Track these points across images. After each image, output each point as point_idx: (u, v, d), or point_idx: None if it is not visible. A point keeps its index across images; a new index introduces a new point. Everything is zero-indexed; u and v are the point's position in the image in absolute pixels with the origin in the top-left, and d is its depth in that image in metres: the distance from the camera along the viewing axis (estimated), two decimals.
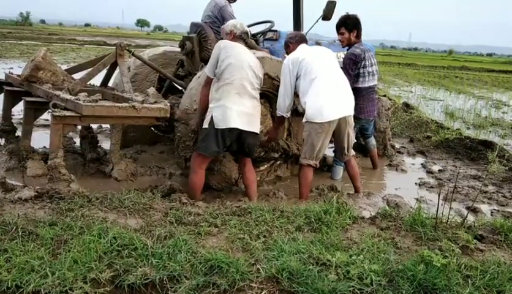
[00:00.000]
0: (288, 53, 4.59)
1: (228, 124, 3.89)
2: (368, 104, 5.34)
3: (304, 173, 4.37)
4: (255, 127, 4.08)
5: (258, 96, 4.16)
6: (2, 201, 3.17)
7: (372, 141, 5.93)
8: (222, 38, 4.31)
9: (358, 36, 5.22)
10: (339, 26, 5.23)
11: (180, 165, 4.80)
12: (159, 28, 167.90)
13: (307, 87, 4.22)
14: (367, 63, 5.15)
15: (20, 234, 2.62)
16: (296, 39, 4.57)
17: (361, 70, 5.16)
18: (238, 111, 3.93)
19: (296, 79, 4.29)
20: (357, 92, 5.02)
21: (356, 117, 4.83)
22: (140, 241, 2.63)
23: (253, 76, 4.07)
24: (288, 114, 4.47)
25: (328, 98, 4.22)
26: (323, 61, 4.38)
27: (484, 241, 3.16)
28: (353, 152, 4.71)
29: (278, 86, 4.47)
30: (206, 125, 3.94)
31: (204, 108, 4.08)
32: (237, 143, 4.04)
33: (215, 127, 3.88)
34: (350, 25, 5.18)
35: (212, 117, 3.90)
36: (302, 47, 4.50)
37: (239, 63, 3.96)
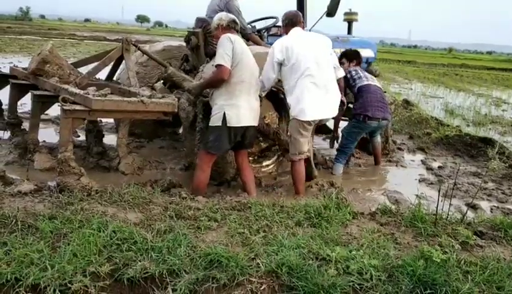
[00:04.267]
0: (283, 33, 4.53)
1: (241, 123, 3.92)
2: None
3: (297, 169, 4.38)
4: (257, 121, 4.16)
5: (259, 90, 4.19)
6: (1, 195, 3.17)
7: (378, 138, 5.94)
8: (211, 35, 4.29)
9: (357, 64, 5.72)
10: (340, 57, 5.57)
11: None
12: (159, 24, 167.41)
13: (294, 81, 4.18)
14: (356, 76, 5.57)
15: (20, 227, 2.62)
16: (286, 22, 4.42)
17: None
18: (248, 108, 3.98)
19: (281, 65, 4.23)
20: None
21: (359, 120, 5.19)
22: (140, 235, 2.63)
23: (257, 70, 4.11)
24: (263, 94, 4.39)
25: (313, 98, 4.19)
26: (314, 55, 4.23)
27: (483, 237, 3.16)
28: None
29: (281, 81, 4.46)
30: (218, 123, 3.90)
31: (207, 87, 4.09)
32: (240, 136, 4.04)
33: (228, 125, 3.88)
34: (349, 57, 5.67)
35: (224, 116, 3.88)
36: (295, 32, 4.35)
37: (247, 61, 3.97)
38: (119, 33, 43.95)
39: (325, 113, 4.33)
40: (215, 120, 3.93)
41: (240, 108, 3.91)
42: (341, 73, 4.70)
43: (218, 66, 3.85)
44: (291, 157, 4.39)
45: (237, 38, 3.98)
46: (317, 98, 4.21)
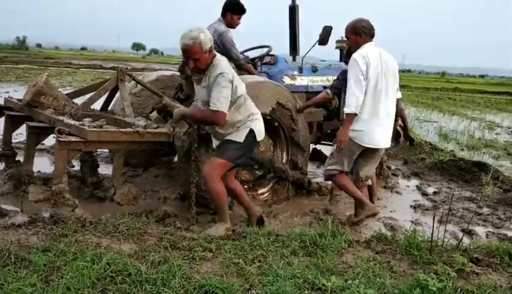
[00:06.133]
0: (352, 44, 4.13)
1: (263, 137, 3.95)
2: None
3: (341, 180, 4.32)
4: None
5: None
6: None
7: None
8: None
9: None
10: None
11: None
12: (155, 51, 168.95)
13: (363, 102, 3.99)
14: None
15: (13, 260, 2.60)
16: (366, 32, 4.04)
17: None
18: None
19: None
20: None
21: None
22: (134, 267, 2.61)
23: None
24: (359, 110, 3.97)
25: (378, 125, 4.07)
26: (386, 78, 4.03)
27: (479, 263, 3.15)
28: (369, 182, 4.60)
29: (275, 109, 4.68)
30: (241, 139, 3.73)
31: (198, 123, 4.03)
32: None
33: (257, 140, 3.87)
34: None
35: (252, 131, 3.78)
36: (372, 46, 4.06)
37: (245, 90, 3.85)
38: (115, 61, 44.40)
39: (381, 142, 4.20)
40: (239, 137, 3.78)
41: (260, 122, 3.91)
42: (398, 95, 4.36)
43: (217, 112, 3.52)
44: (324, 169, 4.38)
45: (232, 72, 3.70)
46: (380, 126, 4.10)
